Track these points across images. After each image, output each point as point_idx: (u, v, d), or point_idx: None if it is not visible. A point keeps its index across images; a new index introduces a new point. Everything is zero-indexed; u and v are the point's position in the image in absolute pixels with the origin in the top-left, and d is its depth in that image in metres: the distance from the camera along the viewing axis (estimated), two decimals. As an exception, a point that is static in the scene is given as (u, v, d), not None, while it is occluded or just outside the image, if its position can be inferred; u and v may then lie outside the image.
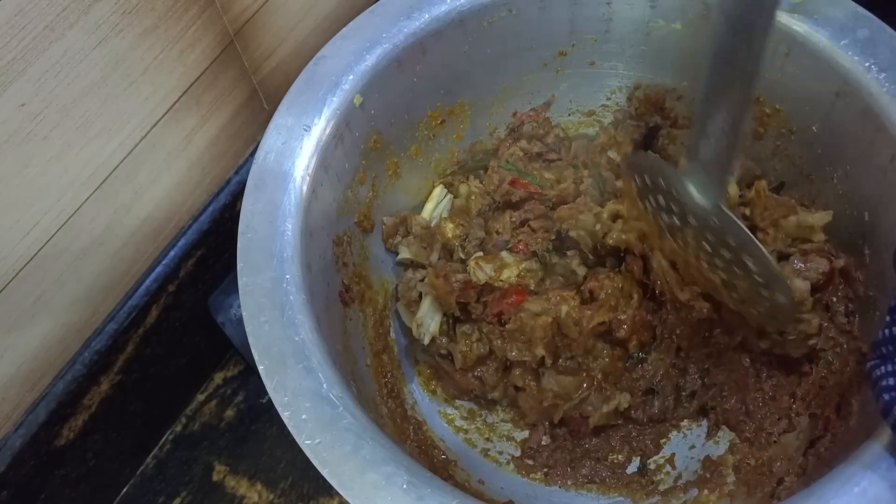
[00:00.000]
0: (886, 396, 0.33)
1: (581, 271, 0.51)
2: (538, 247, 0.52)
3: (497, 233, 0.54)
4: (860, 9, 0.46)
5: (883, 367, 0.33)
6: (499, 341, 0.50)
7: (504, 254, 0.52)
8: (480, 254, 0.53)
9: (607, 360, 0.49)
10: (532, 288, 0.51)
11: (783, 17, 0.47)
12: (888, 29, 0.45)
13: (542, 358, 0.49)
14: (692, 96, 0.55)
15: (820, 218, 0.47)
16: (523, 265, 0.51)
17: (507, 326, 0.49)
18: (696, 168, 0.39)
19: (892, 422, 0.32)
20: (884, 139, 0.44)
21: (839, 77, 0.45)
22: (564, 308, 0.49)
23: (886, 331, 0.34)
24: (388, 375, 0.51)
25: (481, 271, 0.50)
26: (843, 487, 0.34)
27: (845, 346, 0.47)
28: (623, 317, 0.49)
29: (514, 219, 0.55)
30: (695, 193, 0.40)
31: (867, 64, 0.44)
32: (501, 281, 0.50)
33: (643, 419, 0.51)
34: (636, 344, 0.49)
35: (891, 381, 0.33)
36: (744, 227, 0.39)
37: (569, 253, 0.52)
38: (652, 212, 0.44)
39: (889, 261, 0.39)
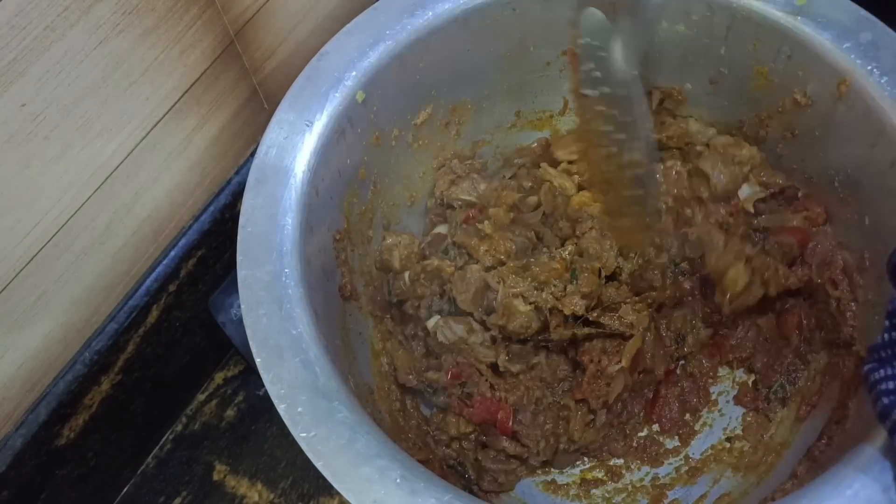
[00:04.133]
0: (885, 400, 0.32)
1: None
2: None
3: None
4: (863, 12, 0.46)
5: (881, 371, 0.33)
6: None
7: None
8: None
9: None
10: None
11: (786, 20, 0.47)
12: (891, 32, 0.45)
13: None
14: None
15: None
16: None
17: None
18: (621, 34, 0.41)
19: (889, 426, 0.32)
20: (885, 143, 0.44)
21: (841, 79, 0.45)
22: None
23: (886, 335, 0.34)
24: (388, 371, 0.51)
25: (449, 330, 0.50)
26: (836, 489, 0.34)
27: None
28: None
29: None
30: (620, 59, 0.41)
31: (869, 67, 0.44)
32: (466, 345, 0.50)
33: None
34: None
35: (889, 384, 0.33)
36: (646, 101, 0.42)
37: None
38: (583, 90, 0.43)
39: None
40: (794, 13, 0.47)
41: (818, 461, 0.44)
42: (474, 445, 0.50)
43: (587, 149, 0.45)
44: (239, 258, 0.41)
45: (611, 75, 0.41)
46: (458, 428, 0.49)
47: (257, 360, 0.38)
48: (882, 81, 0.44)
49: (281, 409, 0.36)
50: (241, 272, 0.40)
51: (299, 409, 0.36)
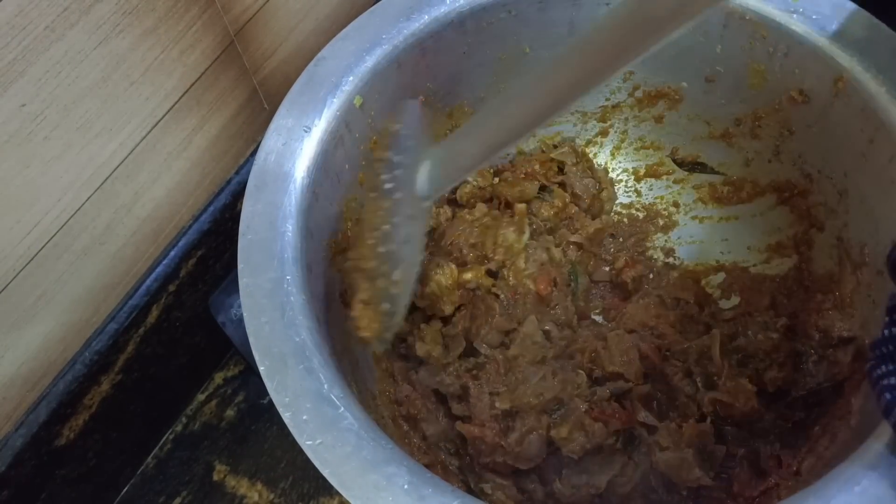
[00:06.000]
0: (888, 396, 0.32)
1: None
2: None
3: None
4: (859, 8, 0.46)
5: (883, 367, 0.33)
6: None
7: None
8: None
9: None
10: None
11: (782, 17, 0.47)
12: (887, 28, 0.45)
13: None
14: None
15: None
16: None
17: None
18: (438, 156, 0.41)
19: (893, 421, 0.32)
20: (883, 138, 0.44)
21: (838, 76, 0.45)
22: None
23: (886, 331, 0.34)
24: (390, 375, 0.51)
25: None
26: (844, 486, 0.33)
27: None
28: None
29: None
30: (422, 177, 0.41)
31: (866, 63, 0.44)
32: None
33: None
34: None
35: (892, 380, 0.33)
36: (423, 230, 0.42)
37: None
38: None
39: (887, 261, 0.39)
40: (790, 10, 0.47)
41: (822, 458, 0.43)
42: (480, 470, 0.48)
43: (360, 227, 0.43)
44: (240, 266, 0.41)
45: (408, 186, 0.40)
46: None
47: (261, 369, 0.38)
48: (879, 77, 0.44)
49: (286, 417, 0.36)
50: (243, 280, 0.40)
51: (304, 417, 0.36)
